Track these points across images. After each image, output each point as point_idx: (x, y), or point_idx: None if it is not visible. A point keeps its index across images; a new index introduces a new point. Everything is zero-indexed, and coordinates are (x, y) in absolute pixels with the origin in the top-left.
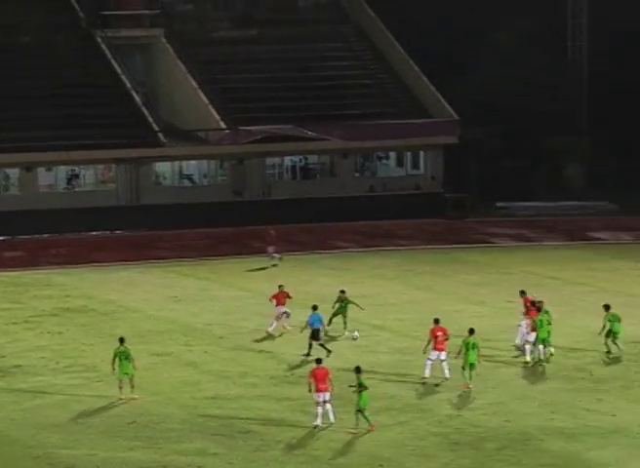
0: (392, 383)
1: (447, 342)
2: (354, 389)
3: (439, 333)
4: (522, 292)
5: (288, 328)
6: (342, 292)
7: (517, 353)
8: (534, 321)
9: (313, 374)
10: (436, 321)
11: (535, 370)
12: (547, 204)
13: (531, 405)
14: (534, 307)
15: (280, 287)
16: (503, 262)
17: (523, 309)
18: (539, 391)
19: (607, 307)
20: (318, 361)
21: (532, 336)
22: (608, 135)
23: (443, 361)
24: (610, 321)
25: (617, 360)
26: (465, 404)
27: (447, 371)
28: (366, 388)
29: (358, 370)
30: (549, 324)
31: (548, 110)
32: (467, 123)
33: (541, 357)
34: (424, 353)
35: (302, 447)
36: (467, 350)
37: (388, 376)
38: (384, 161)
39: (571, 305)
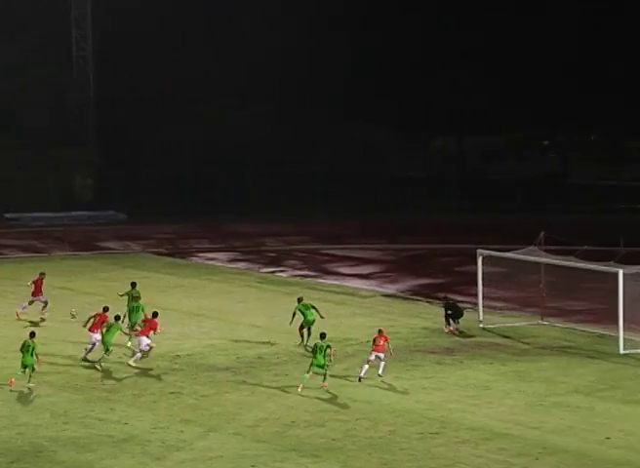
0: None
1: None
2: None
3: None
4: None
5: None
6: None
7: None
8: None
9: None
10: None
11: (45, 382)
12: (58, 214)
13: (42, 416)
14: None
15: (41, 274)
16: (13, 274)
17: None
18: (50, 402)
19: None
20: None
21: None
22: (114, 144)
23: None
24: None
25: (128, 370)
26: None
27: None
28: None
29: None
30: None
31: (56, 120)
32: None
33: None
34: None
35: None
36: (23, 352)
37: None
38: None
39: (84, 315)
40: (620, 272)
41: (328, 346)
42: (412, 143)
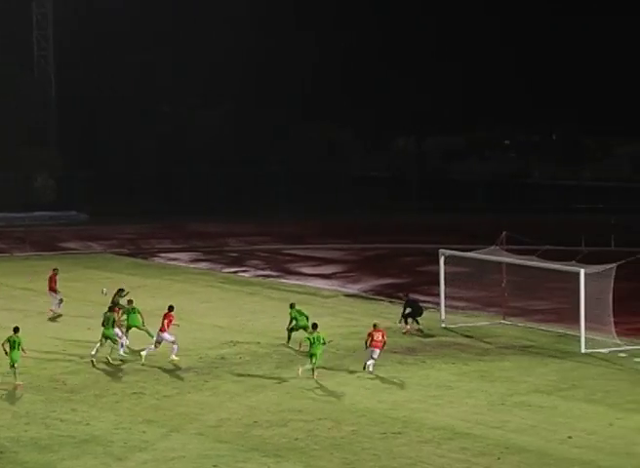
0: None
1: None
2: None
3: None
4: None
5: (58, 311)
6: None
7: None
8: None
9: None
10: None
11: (7, 382)
12: (19, 214)
13: (4, 417)
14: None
15: (54, 270)
16: None
17: None
18: (12, 402)
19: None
20: None
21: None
22: (76, 144)
23: None
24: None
25: (90, 370)
26: None
27: None
28: None
29: None
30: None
31: (17, 120)
32: None
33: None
34: None
35: None
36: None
37: None
38: None
39: (44, 316)
40: (582, 272)
41: (324, 342)
42: (373, 143)
